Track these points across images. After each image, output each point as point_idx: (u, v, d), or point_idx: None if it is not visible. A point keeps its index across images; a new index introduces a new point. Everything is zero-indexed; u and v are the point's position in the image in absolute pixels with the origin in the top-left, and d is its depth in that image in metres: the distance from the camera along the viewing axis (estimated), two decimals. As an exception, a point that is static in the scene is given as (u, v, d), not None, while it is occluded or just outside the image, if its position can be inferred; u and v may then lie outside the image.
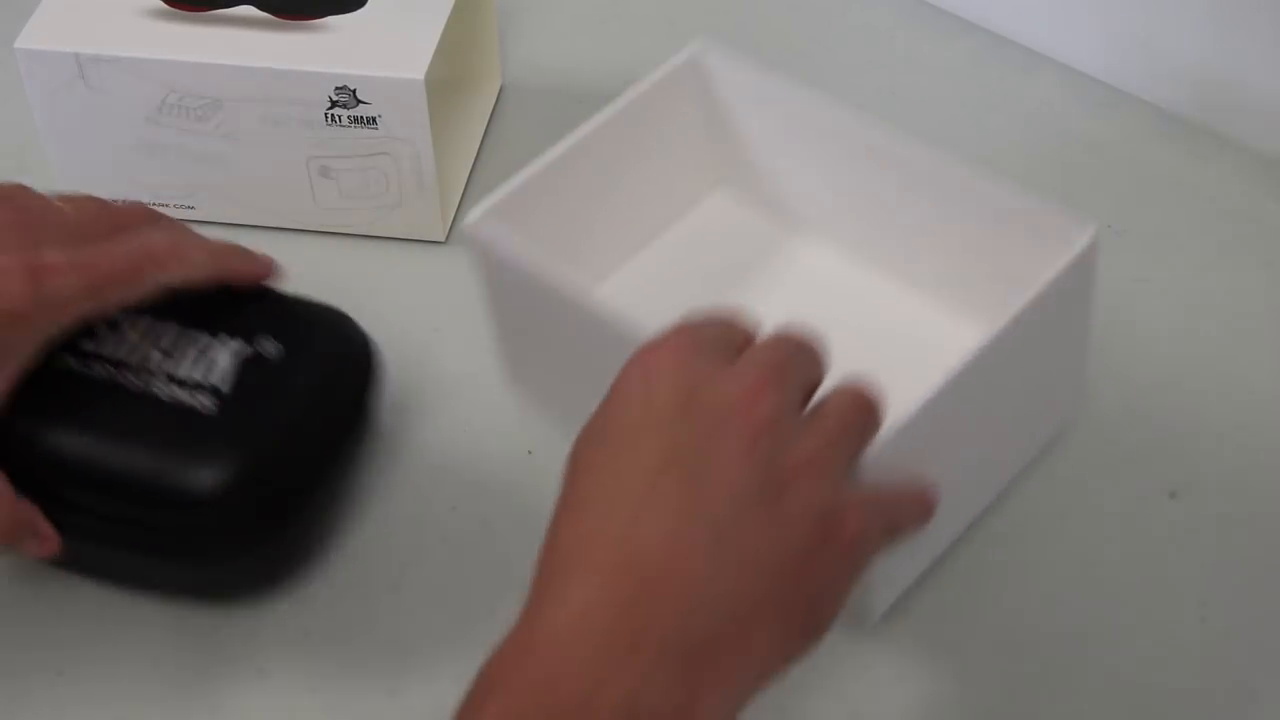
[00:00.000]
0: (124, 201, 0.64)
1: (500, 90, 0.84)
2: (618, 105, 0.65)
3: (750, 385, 0.45)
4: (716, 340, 0.47)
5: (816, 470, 0.45)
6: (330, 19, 0.73)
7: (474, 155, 0.80)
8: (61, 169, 0.76)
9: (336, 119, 0.71)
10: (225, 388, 0.58)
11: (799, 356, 0.48)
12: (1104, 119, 0.81)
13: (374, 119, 0.71)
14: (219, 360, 0.59)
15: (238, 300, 0.62)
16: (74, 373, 0.59)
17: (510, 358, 0.65)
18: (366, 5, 0.74)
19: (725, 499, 0.43)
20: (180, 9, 0.73)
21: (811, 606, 0.44)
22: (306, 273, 0.75)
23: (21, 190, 0.60)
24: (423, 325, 0.72)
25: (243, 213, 0.76)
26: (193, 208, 0.76)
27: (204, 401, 0.58)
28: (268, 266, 0.63)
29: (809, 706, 0.57)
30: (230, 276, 0.62)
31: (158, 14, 0.73)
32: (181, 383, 0.58)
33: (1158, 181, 0.78)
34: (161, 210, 0.75)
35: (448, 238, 0.76)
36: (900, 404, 0.50)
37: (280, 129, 0.72)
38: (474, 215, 0.60)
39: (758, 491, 0.43)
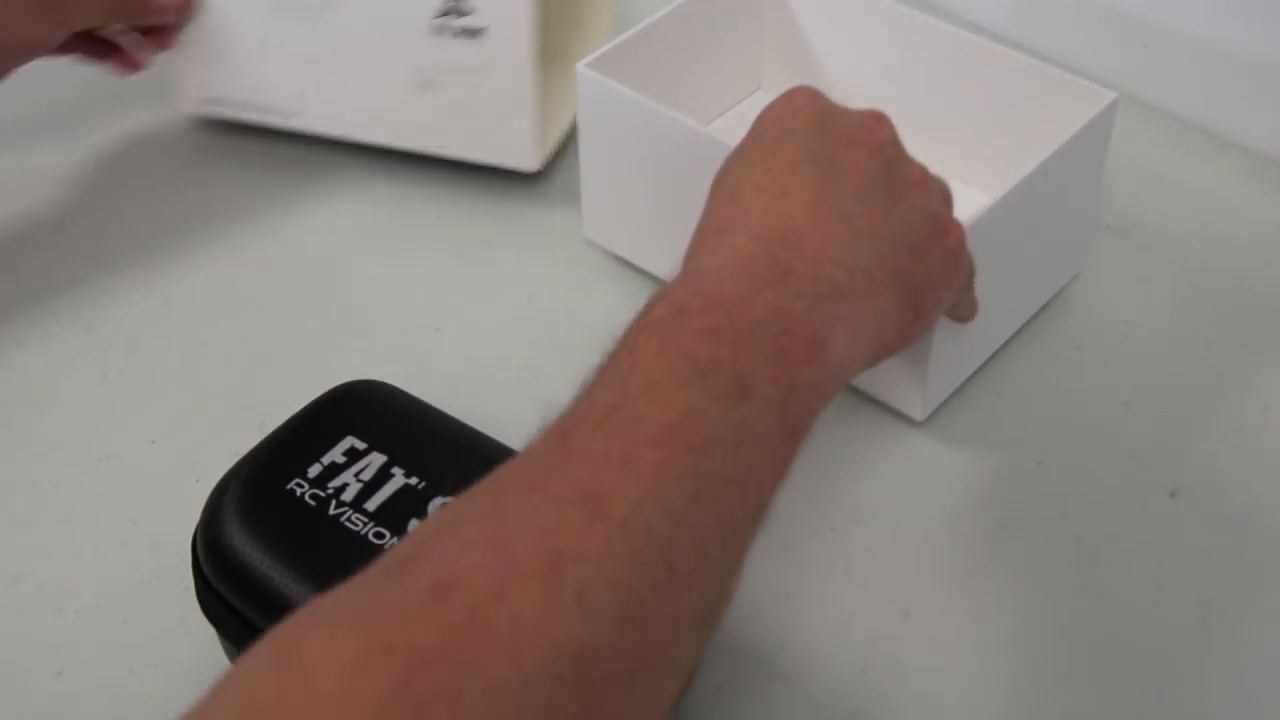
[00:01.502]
0: None
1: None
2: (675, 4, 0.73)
3: (873, 117, 0.55)
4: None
5: (925, 189, 0.54)
6: None
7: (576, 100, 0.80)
8: (183, 69, 0.78)
9: (444, 29, 0.71)
10: None
11: None
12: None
13: (480, 30, 0.71)
14: None
15: None
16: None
17: (594, 203, 0.72)
18: None
19: (852, 192, 0.52)
20: None
21: (921, 289, 0.52)
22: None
23: None
24: (423, 325, 0.72)
25: (345, 124, 0.77)
26: (299, 114, 0.78)
27: None
28: None
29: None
30: None
31: None
32: None
33: (1158, 181, 0.79)
34: (268, 118, 0.79)
35: (542, 169, 0.76)
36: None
37: (388, 35, 0.73)
38: (586, 61, 0.68)
39: (879, 190, 0.52)
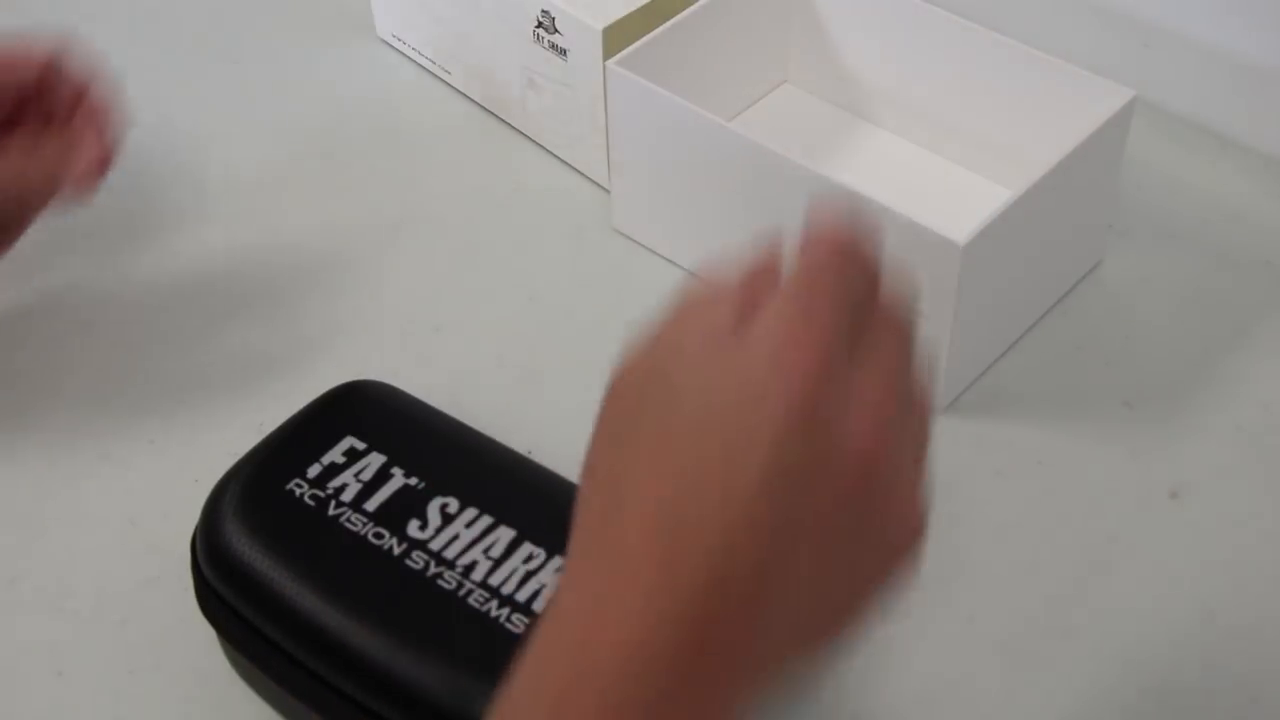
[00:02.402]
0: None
1: None
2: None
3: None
4: (731, 304, 0.40)
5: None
6: None
7: None
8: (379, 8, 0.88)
9: (539, 39, 0.75)
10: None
11: (840, 289, 0.40)
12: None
13: (565, 50, 0.74)
14: (548, 583, 0.53)
15: None
16: (393, 559, 0.54)
17: (623, 195, 0.75)
18: None
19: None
20: None
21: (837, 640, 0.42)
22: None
23: None
24: (423, 325, 0.72)
25: (483, 93, 0.83)
26: (450, 73, 0.85)
27: (517, 622, 0.52)
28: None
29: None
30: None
31: None
32: (499, 597, 0.52)
33: (1158, 181, 0.78)
34: (425, 67, 0.86)
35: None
36: (973, 221, 0.60)
37: (503, 29, 0.77)
38: (616, 60, 0.70)
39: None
